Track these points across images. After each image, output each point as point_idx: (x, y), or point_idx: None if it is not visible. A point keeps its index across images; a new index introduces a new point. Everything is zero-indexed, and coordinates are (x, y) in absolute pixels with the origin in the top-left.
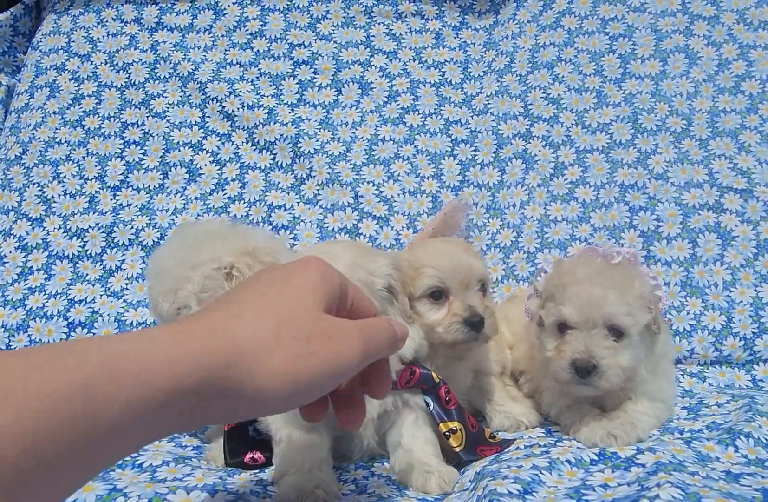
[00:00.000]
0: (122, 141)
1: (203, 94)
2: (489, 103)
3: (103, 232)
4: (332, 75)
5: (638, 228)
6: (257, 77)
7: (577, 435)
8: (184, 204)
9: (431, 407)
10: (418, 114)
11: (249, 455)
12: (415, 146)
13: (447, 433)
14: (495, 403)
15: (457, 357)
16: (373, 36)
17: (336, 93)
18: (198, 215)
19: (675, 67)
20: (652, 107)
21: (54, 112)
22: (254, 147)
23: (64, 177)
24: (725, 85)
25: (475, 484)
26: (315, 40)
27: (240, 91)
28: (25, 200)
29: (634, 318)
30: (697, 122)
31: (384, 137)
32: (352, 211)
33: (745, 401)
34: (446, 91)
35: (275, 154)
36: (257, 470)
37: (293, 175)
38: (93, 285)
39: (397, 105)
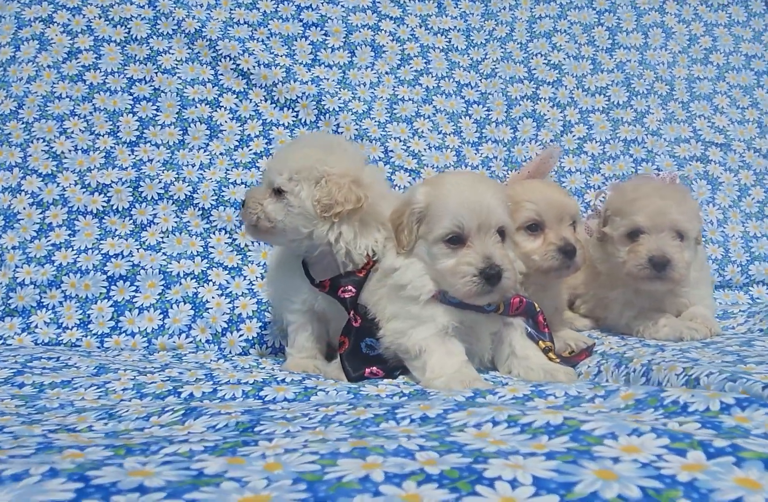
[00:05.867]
0: (131, 97)
1: (214, 52)
2: (496, 68)
3: (128, 187)
4: (344, 37)
5: None
6: (268, 37)
7: (657, 335)
8: (210, 159)
9: (528, 329)
10: (432, 76)
11: (368, 370)
12: (433, 106)
13: (545, 349)
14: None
15: (543, 287)
16: (378, 2)
17: (350, 55)
18: (226, 170)
19: (655, 40)
20: (641, 73)
21: (48, 66)
22: (274, 105)
23: (72, 132)
24: (697, 57)
25: None
26: (322, 3)
27: (253, 50)
28: (30, 156)
29: (692, 224)
30: (678, 87)
31: (403, 97)
32: (384, 165)
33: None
34: (454, 56)
35: (297, 111)
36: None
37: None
38: (126, 240)
39: (411, 68)
